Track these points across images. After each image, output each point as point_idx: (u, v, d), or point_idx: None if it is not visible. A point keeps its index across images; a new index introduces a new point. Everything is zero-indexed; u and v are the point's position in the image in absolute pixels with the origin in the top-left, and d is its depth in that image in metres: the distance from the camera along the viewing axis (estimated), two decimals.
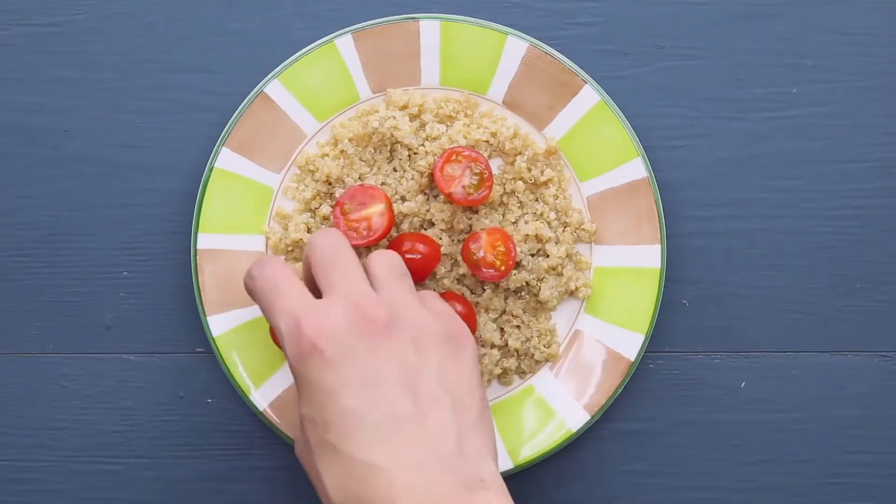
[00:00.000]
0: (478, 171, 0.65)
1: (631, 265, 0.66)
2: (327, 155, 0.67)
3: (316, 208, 0.66)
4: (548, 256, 0.66)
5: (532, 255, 0.66)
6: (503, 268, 0.63)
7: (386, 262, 0.56)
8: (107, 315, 0.68)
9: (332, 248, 0.55)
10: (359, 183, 0.66)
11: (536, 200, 0.67)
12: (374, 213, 0.64)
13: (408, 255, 0.64)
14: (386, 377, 0.51)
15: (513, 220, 0.66)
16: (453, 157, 0.65)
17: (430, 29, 0.66)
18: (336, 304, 0.53)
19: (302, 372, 0.52)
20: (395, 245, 0.65)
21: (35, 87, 0.68)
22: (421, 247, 0.64)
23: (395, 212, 0.66)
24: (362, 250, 0.66)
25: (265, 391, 0.66)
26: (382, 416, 0.50)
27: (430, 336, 0.53)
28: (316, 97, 0.67)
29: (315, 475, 0.51)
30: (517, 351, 0.66)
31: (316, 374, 0.51)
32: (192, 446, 0.68)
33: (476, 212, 0.66)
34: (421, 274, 0.65)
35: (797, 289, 0.68)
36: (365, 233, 0.64)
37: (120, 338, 0.68)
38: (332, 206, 0.66)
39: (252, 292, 0.56)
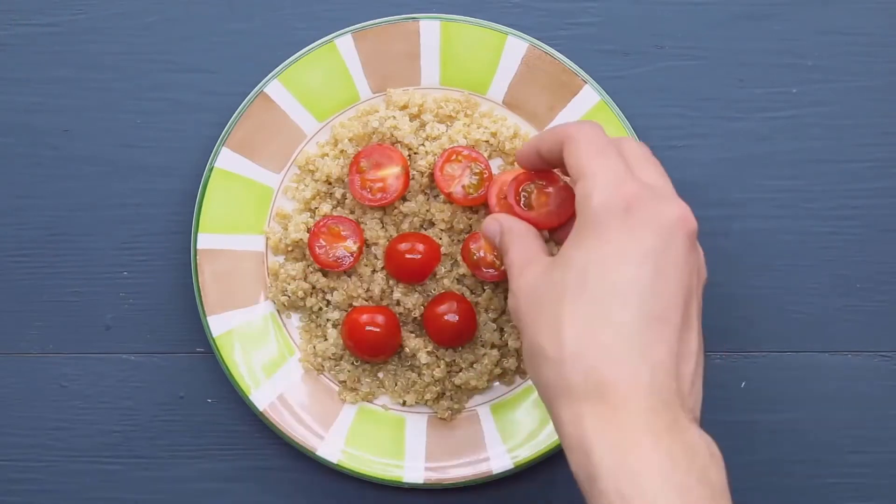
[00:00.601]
0: (477, 170, 0.65)
1: None
2: (327, 155, 0.67)
3: (316, 208, 0.66)
4: None
5: None
6: (503, 268, 0.63)
7: (653, 156, 0.56)
8: (107, 315, 0.68)
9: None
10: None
11: None
12: (391, 174, 0.64)
13: (408, 255, 0.64)
14: (674, 278, 0.50)
15: None
16: (453, 156, 0.65)
17: (430, 29, 0.66)
18: (655, 188, 0.52)
19: (600, 219, 0.50)
20: (394, 245, 0.65)
21: (35, 87, 0.68)
22: (421, 247, 0.64)
23: (395, 212, 0.66)
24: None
25: (265, 391, 0.66)
26: (656, 308, 0.49)
27: (704, 273, 0.54)
28: (316, 97, 0.67)
29: (549, 316, 0.50)
30: (517, 351, 0.66)
31: (617, 229, 0.50)
32: (192, 446, 0.68)
33: (476, 212, 0.66)
34: (421, 274, 0.65)
35: (797, 289, 0.68)
36: (379, 194, 0.64)
37: (120, 338, 0.68)
38: (347, 171, 0.66)
39: (554, 137, 0.56)
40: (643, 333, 0.49)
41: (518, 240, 0.56)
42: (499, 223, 0.58)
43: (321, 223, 0.65)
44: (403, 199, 0.66)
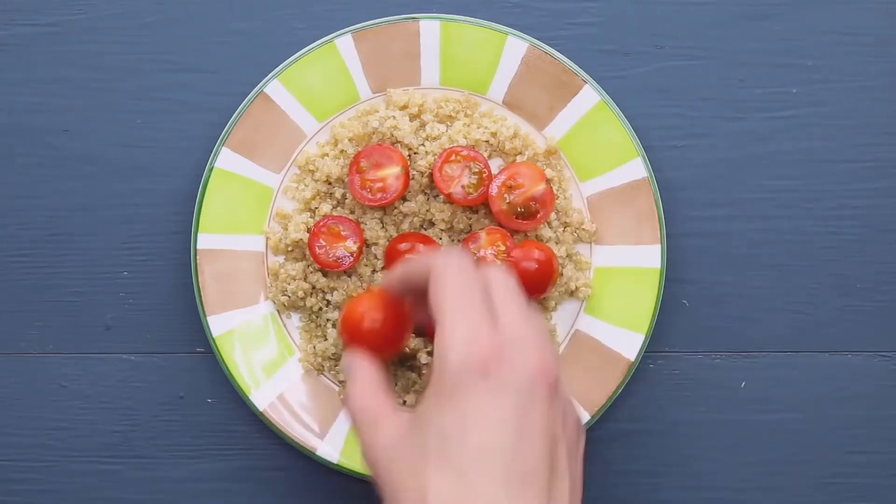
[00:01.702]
0: (476, 170, 0.65)
1: (631, 265, 0.66)
2: (327, 155, 0.67)
3: (315, 208, 0.66)
4: None
5: None
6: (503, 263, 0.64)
7: (537, 319, 0.53)
8: (107, 315, 0.68)
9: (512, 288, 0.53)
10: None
11: None
12: (390, 174, 0.64)
13: (408, 256, 0.64)
14: (538, 437, 0.50)
15: None
16: (452, 156, 0.65)
17: (430, 29, 0.66)
18: (514, 341, 0.51)
19: (457, 380, 0.49)
20: (394, 245, 0.65)
21: (35, 87, 0.68)
22: (421, 247, 0.64)
23: (395, 212, 0.66)
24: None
25: (265, 391, 0.66)
26: (521, 470, 0.49)
27: (572, 415, 0.53)
28: (316, 97, 0.67)
29: (411, 481, 0.49)
30: None
31: (474, 391, 0.49)
32: (192, 446, 0.68)
33: (476, 212, 0.66)
34: None
35: (797, 289, 0.68)
36: (379, 194, 0.64)
37: (120, 338, 0.68)
38: (348, 169, 0.66)
39: (421, 269, 0.54)
40: (508, 498, 0.48)
41: (361, 386, 0.54)
42: (350, 362, 0.56)
43: (321, 223, 0.65)
44: (403, 199, 0.66)
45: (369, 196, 0.65)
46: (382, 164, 0.65)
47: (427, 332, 0.63)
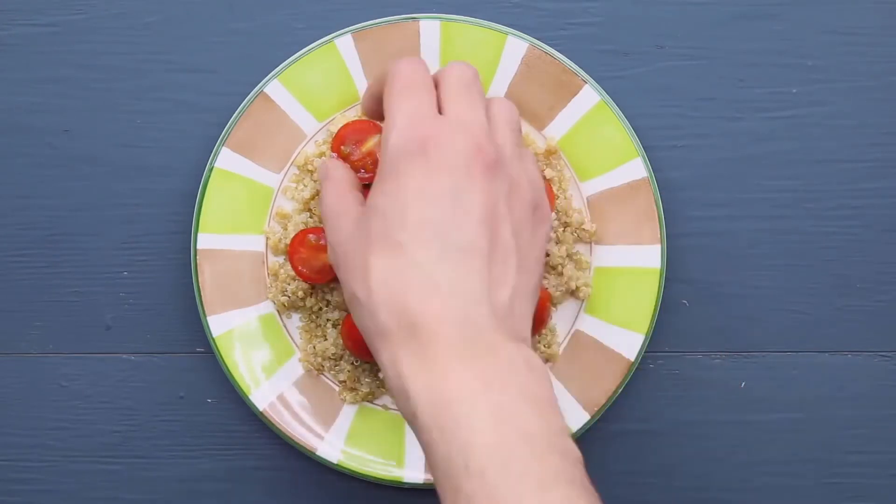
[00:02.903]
0: None
1: (631, 265, 0.66)
2: (325, 154, 0.67)
3: (315, 208, 0.66)
4: (548, 256, 0.66)
5: None
6: None
7: (475, 80, 0.55)
8: (107, 315, 0.68)
9: (419, 76, 0.54)
10: (343, 123, 0.66)
11: None
12: (374, 144, 0.64)
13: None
14: (476, 209, 0.51)
15: None
16: None
17: (430, 29, 0.66)
18: (455, 123, 0.52)
19: (397, 163, 0.51)
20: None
21: (35, 87, 0.68)
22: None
23: None
24: None
25: (265, 391, 0.66)
26: (459, 241, 0.50)
27: (520, 196, 0.53)
28: (316, 97, 0.67)
29: (358, 264, 0.51)
30: None
31: (413, 171, 0.51)
32: (192, 446, 0.68)
33: None
34: None
35: (797, 289, 0.68)
36: (372, 167, 0.64)
37: (120, 338, 0.68)
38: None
39: (383, 79, 0.55)
40: (448, 268, 0.50)
41: (332, 188, 0.56)
42: (323, 168, 0.58)
43: (297, 239, 0.65)
44: None
45: (365, 175, 0.64)
46: (361, 140, 0.64)
47: None
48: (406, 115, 0.52)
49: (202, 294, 0.66)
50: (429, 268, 0.50)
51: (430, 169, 0.51)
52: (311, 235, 0.65)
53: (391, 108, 0.53)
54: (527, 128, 0.67)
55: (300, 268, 0.65)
